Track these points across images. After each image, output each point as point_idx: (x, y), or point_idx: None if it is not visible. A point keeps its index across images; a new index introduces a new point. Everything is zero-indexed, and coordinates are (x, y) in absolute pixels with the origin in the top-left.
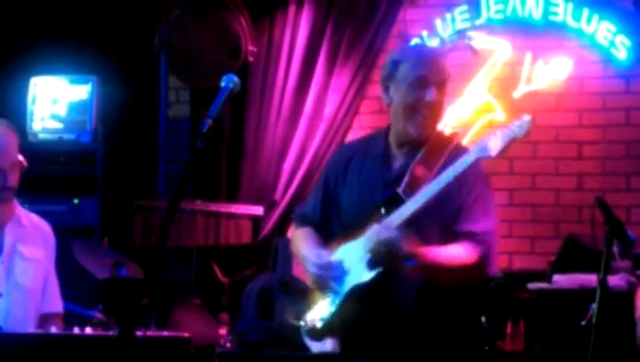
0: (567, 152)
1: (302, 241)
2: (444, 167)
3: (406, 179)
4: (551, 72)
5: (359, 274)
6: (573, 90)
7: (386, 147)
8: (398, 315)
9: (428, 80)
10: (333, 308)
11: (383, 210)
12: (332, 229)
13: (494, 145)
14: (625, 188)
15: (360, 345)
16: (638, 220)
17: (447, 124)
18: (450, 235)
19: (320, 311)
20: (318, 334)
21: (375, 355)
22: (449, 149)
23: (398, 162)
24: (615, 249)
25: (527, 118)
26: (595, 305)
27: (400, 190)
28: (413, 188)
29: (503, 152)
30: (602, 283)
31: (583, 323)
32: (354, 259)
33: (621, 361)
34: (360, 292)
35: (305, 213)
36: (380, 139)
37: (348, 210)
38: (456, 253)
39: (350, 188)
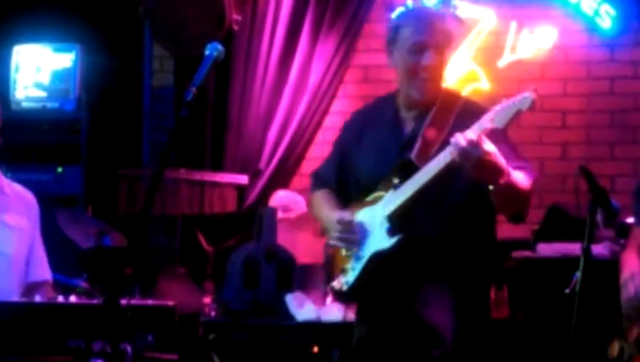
0: (552, 121)
1: (321, 203)
2: (454, 127)
3: (418, 143)
4: (535, 41)
5: (380, 240)
6: (557, 59)
7: (395, 111)
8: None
9: (425, 44)
10: (356, 273)
11: (396, 178)
12: (348, 194)
13: (500, 119)
14: (609, 157)
15: (380, 308)
16: (622, 189)
17: None
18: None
19: (346, 274)
20: (345, 297)
21: (393, 318)
22: (458, 107)
23: (409, 126)
24: (599, 218)
25: (529, 94)
26: (578, 274)
27: (412, 156)
28: (426, 153)
29: (508, 125)
30: (586, 251)
31: (567, 291)
32: (374, 224)
33: (604, 329)
34: (380, 258)
35: (321, 177)
36: (390, 102)
37: (364, 176)
38: (521, 176)
39: (365, 154)
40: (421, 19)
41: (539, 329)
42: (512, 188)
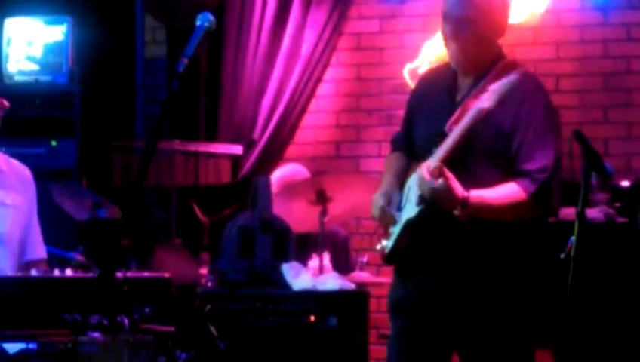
0: (545, 85)
1: (386, 168)
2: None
3: (457, 112)
4: (528, 6)
5: (411, 208)
6: (550, 23)
7: (454, 78)
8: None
9: (446, 15)
10: (394, 238)
11: (434, 146)
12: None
13: (492, 99)
14: (602, 121)
15: (417, 268)
16: (616, 152)
17: (424, 60)
18: (510, 173)
19: (388, 238)
20: (385, 260)
21: (432, 274)
22: (509, 82)
23: (460, 94)
24: (593, 181)
25: (514, 77)
26: (573, 238)
27: (447, 125)
28: (458, 122)
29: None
30: (581, 215)
31: (562, 255)
32: (413, 192)
33: (599, 293)
34: (412, 226)
35: (395, 140)
36: (451, 68)
37: (418, 142)
38: (506, 191)
39: (420, 120)
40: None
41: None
42: (482, 211)
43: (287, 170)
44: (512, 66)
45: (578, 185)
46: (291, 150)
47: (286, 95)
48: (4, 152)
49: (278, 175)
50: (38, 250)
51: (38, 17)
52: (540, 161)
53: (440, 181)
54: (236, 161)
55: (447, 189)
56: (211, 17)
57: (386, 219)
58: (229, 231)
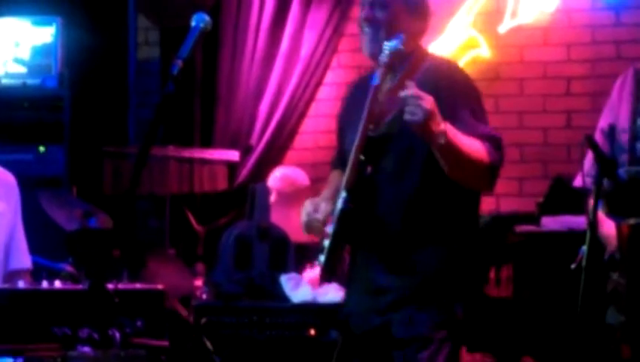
0: (556, 89)
1: (327, 186)
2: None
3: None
4: (537, 5)
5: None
6: (560, 24)
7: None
8: (385, 239)
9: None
10: (325, 252)
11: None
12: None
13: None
14: None
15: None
16: None
17: None
18: None
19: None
20: (324, 274)
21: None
22: (423, 69)
23: (382, 93)
24: (606, 188)
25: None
26: (585, 248)
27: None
28: (379, 122)
29: None
30: (592, 224)
31: (573, 266)
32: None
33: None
34: (336, 236)
35: (332, 160)
36: (369, 77)
37: (348, 148)
38: (475, 144)
39: (349, 131)
40: None
41: (544, 307)
42: (454, 150)
43: (287, 175)
44: (422, 56)
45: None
46: (290, 156)
47: (284, 99)
48: None
49: (278, 183)
50: (23, 259)
51: (26, 18)
52: (491, 130)
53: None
54: (232, 167)
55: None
56: (207, 18)
57: (311, 226)
58: (225, 240)
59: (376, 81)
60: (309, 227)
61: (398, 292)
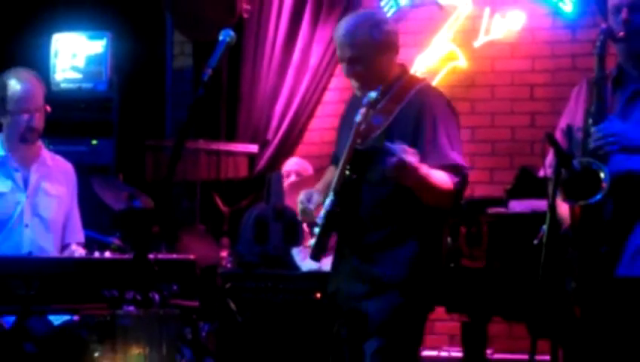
0: (521, 94)
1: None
2: (402, 113)
3: (362, 127)
4: (506, 24)
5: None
6: (526, 40)
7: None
8: (364, 234)
9: (340, 58)
10: (315, 238)
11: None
12: None
13: None
14: None
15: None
16: None
17: (416, 71)
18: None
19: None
20: (313, 255)
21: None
22: (409, 96)
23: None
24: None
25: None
26: (545, 227)
27: (350, 140)
28: (366, 138)
29: None
30: (552, 207)
31: (536, 242)
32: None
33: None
34: (322, 231)
35: (332, 157)
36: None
37: (339, 152)
38: (440, 175)
39: (343, 139)
40: (337, 35)
41: (511, 275)
42: (424, 184)
43: (301, 162)
44: (411, 83)
45: (550, 180)
46: (300, 149)
47: (296, 101)
48: (50, 150)
49: (296, 166)
50: (78, 235)
51: (82, 33)
52: (458, 158)
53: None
54: (252, 158)
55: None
56: (232, 33)
57: (305, 213)
58: (245, 219)
59: (358, 117)
60: (303, 213)
61: (374, 280)
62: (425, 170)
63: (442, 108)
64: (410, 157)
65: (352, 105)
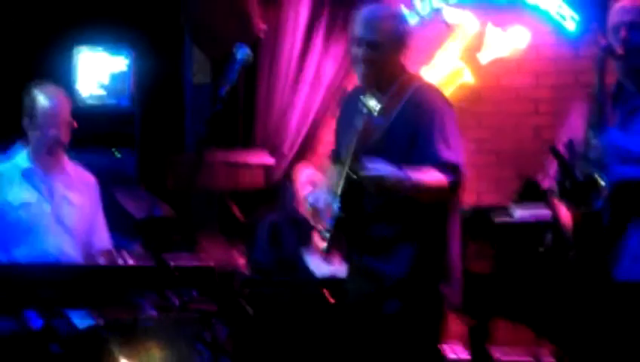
0: (526, 108)
1: (322, 178)
2: (401, 113)
3: (364, 123)
4: (512, 42)
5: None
6: (530, 57)
7: (364, 93)
8: (371, 234)
9: (357, 39)
10: (328, 240)
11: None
12: None
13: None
14: None
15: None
16: None
17: None
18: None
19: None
20: (326, 258)
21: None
22: (408, 95)
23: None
24: (566, 187)
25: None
26: (549, 234)
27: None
28: (366, 136)
29: None
30: (556, 215)
31: (541, 249)
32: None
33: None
34: (332, 231)
35: (330, 154)
36: (360, 90)
37: (342, 155)
38: (434, 175)
39: (343, 135)
40: (361, 15)
41: (517, 280)
42: (418, 189)
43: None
44: (408, 84)
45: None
46: (314, 160)
47: (310, 116)
48: (74, 161)
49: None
50: (105, 242)
51: (106, 50)
52: (453, 156)
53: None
54: (268, 169)
55: (394, 174)
56: (248, 50)
57: (317, 215)
58: (261, 227)
59: (359, 126)
60: (314, 215)
61: (384, 279)
62: (416, 178)
63: (439, 108)
64: (397, 172)
65: (349, 102)
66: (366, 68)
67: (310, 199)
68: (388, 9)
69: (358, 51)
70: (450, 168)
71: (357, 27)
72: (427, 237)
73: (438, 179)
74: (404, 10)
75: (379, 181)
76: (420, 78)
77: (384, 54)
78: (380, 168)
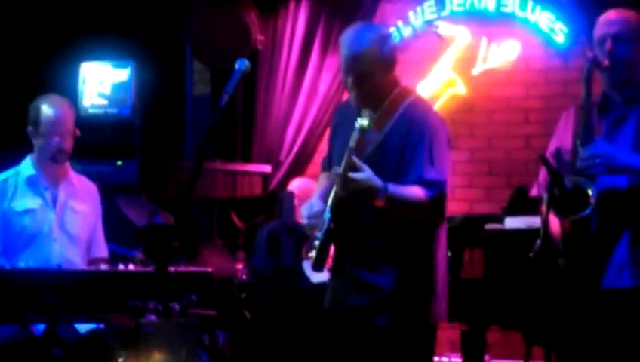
0: (517, 118)
1: (316, 187)
2: (393, 128)
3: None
4: (502, 53)
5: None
6: (520, 68)
7: (358, 110)
8: (356, 229)
9: (344, 69)
10: (317, 248)
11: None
12: None
13: None
14: None
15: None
16: None
17: None
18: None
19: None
20: (314, 266)
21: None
22: (400, 111)
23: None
24: (556, 194)
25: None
26: (539, 241)
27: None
28: (362, 150)
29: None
30: (545, 223)
31: (531, 255)
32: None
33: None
34: (321, 245)
35: (323, 162)
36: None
37: (335, 163)
38: (414, 191)
39: (336, 144)
40: (347, 49)
41: (508, 287)
42: (397, 204)
43: (303, 185)
44: (401, 99)
45: (543, 198)
46: (311, 169)
47: (307, 125)
48: (76, 170)
49: (296, 191)
50: (102, 250)
51: (108, 62)
52: (434, 175)
53: (360, 173)
54: (266, 178)
55: (369, 179)
56: (247, 62)
57: (311, 226)
58: (260, 234)
59: (352, 143)
60: (310, 227)
61: (374, 290)
62: (393, 190)
63: (430, 125)
64: (375, 180)
65: (342, 113)
66: (357, 92)
67: (305, 212)
68: (370, 33)
69: (347, 79)
70: (430, 185)
71: (342, 59)
72: (413, 252)
73: (417, 195)
74: (399, 24)
75: (353, 185)
76: (412, 92)
77: (374, 80)
78: (358, 175)
